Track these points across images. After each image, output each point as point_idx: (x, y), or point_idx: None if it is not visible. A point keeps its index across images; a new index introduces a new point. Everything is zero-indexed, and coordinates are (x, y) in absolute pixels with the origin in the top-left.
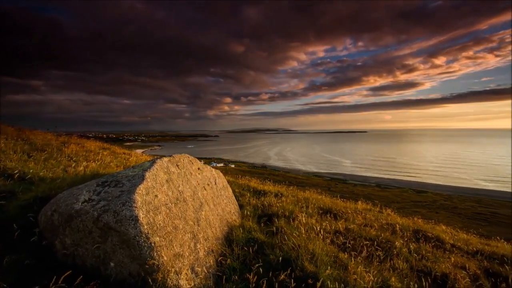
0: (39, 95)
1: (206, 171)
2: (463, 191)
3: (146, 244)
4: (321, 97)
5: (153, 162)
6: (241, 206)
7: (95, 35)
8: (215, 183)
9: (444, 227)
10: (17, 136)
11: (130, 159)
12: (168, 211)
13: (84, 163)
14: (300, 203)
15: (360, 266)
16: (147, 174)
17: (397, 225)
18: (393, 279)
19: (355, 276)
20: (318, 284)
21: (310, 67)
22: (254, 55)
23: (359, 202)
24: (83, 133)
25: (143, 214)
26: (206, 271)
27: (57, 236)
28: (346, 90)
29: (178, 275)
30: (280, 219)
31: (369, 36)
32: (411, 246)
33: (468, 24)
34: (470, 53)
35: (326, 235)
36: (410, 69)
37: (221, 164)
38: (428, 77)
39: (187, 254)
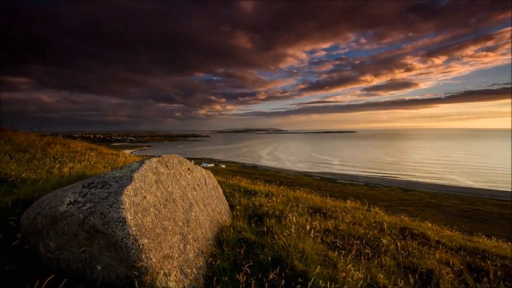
0: (21, 93)
1: (196, 172)
2: (447, 189)
3: (134, 246)
4: (314, 96)
5: (141, 163)
6: (231, 206)
7: (84, 28)
8: (205, 184)
9: (429, 224)
10: None
11: (118, 160)
12: (157, 212)
13: (70, 164)
14: (290, 203)
15: (349, 264)
16: (135, 175)
17: (385, 223)
18: (380, 276)
19: (344, 274)
20: (308, 283)
21: (308, 65)
22: (249, 53)
23: (348, 201)
24: (69, 133)
25: (131, 216)
26: (196, 272)
27: (40, 240)
28: (340, 90)
29: (167, 277)
30: (271, 219)
31: (373, 32)
32: (398, 244)
33: (480, 20)
34: (470, 52)
35: (316, 234)
36: (408, 69)
37: (212, 164)
38: (426, 76)
39: (176, 255)
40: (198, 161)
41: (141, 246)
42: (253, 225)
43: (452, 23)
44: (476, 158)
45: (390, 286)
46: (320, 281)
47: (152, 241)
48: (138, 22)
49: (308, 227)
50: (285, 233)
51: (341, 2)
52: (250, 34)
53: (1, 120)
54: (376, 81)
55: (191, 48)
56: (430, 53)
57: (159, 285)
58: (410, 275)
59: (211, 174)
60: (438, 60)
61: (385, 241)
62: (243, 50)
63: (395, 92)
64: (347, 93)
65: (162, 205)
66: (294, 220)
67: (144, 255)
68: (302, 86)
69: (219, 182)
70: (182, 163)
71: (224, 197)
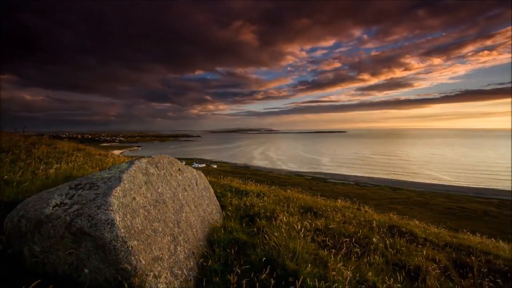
0: (3, 91)
1: (187, 172)
2: (434, 188)
3: (123, 249)
4: (310, 96)
5: (131, 163)
6: (223, 207)
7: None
8: (196, 184)
9: (417, 222)
10: None
11: (106, 161)
12: (146, 213)
13: (56, 165)
14: (281, 203)
15: (339, 263)
16: (124, 176)
17: (374, 221)
18: (370, 273)
19: (334, 272)
20: (299, 282)
21: (306, 64)
22: (246, 51)
23: (339, 200)
24: (56, 133)
25: (119, 218)
26: (186, 274)
27: (25, 244)
28: (336, 89)
29: (157, 279)
30: (262, 219)
31: (377, 29)
32: (387, 241)
33: (489, 19)
34: (468, 51)
35: (307, 233)
36: (407, 68)
37: (203, 165)
38: (423, 76)
39: (166, 257)
40: (190, 162)
41: (130, 248)
42: (244, 225)
43: (459, 21)
44: (459, 157)
45: (379, 284)
46: (311, 280)
47: (141, 243)
48: (135, 16)
49: (299, 227)
50: (276, 233)
51: None
52: (249, 32)
53: None
54: (373, 81)
55: (183, 44)
56: (429, 52)
57: (148, 287)
58: (398, 272)
59: (202, 175)
60: (436, 60)
61: (375, 239)
62: (240, 48)
63: (390, 92)
64: (343, 93)
65: (152, 206)
66: (285, 219)
67: (133, 257)
68: (299, 87)
69: (210, 182)
70: (172, 164)
71: (216, 198)
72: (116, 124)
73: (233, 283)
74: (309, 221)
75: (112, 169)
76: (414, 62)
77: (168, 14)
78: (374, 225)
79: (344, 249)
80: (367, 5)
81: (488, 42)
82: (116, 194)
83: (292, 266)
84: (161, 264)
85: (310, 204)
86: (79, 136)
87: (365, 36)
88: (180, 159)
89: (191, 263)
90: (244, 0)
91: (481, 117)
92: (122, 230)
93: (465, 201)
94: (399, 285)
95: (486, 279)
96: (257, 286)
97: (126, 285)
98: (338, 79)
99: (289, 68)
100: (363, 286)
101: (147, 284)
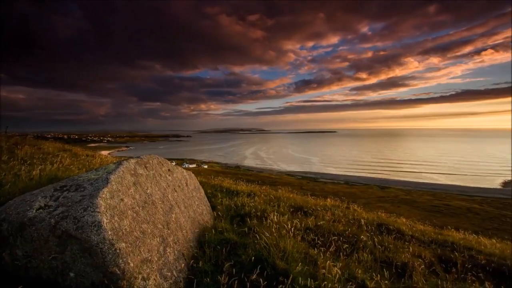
0: None
1: (177, 173)
2: (421, 186)
3: (110, 251)
4: (305, 96)
5: (119, 164)
6: (213, 207)
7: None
8: (187, 185)
9: (404, 220)
10: None
11: (94, 161)
12: (135, 215)
13: (40, 166)
14: (272, 202)
15: (328, 261)
16: (112, 177)
17: (363, 219)
18: (359, 271)
19: (324, 270)
20: (289, 281)
21: (306, 63)
22: (242, 49)
23: (329, 199)
24: (40, 133)
25: (107, 220)
26: (176, 275)
27: (6, 248)
28: (329, 89)
29: (145, 281)
30: (253, 219)
31: (383, 25)
32: (375, 239)
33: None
34: (467, 51)
35: (297, 232)
36: (406, 67)
37: (194, 165)
38: (420, 76)
39: (155, 259)
40: (180, 162)
41: (118, 251)
42: (235, 225)
43: (470, 18)
44: (446, 156)
45: (368, 281)
46: (301, 279)
47: (130, 245)
48: (136, 9)
49: (289, 226)
50: (266, 233)
51: None
52: (246, 28)
53: None
54: (370, 80)
55: (178, 40)
56: (431, 50)
57: None
58: (386, 269)
59: (193, 175)
60: (437, 59)
61: (363, 237)
62: (236, 46)
63: (388, 92)
64: (338, 93)
65: (140, 208)
66: (276, 219)
67: (121, 260)
68: (293, 86)
69: (201, 183)
70: (162, 164)
71: (206, 198)
72: (104, 124)
73: (224, 284)
74: (299, 220)
75: (99, 170)
76: (414, 61)
77: (165, 8)
78: (363, 223)
79: (334, 247)
80: None
81: (489, 42)
82: (103, 195)
83: (282, 265)
84: (150, 266)
85: (301, 204)
86: (65, 136)
87: (369, 33)
88: (170, 160)
89: (181, 264)
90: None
91: (467, 117)
92: (110, 232)
93: (450, 199)
94: (386, 281)
95: (468, 274)
96: (248, 286)
97: None
98: (335, 79)
99: (286, 67)
100: (352, 284)
101: (135, 287)
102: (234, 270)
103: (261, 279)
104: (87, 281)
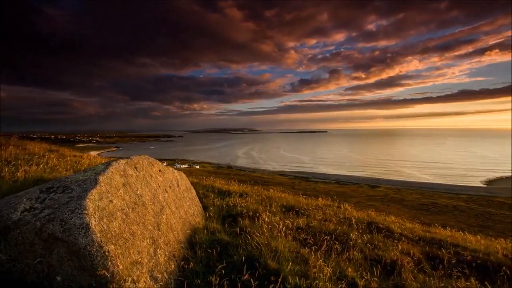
0: None
1: (167, 173)
2: (409, 185)
3: (99, 254)
4: (299, 96)
5: (108, 165)
6: (205, 208)
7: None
8: (178, 185)
9: (393, 218)
10: None
11: (82, 162)
12: (124, 216)
13: (25, 168)
14: (264, 202)
15: (319, 260)
16: (101, 178)
17: (353, 218)
18: (349, 269)
19: (315, 269)
20: (280, 280)
21: (306, 62)
22: (237, 47)
23: (320, 199)
24: (26, 133)
25: (95, 221)
26: (167, 277)
27: None
28: (324, 89)
29: (135, 284)
30: (244, 219)
31: (390, 22)
32: (365, 237)
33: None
34: (465, 51)
35: (289, 232)
36: (404, 67)
37: (185, 165)
38: (417, 75)
39: (146, 261)
40: (171, 162)
41: (106, 253)
42: (227, 225)
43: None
44: (433, 156)
45: (358, 279)
46: (292, 278)
47: (119, 247)
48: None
49: (281, 226)
50: (258, 233)
51: None
52: (243, 26)
53: None
54: (368, 80)
55: (165, 35)
56: (429, 50)
57: None
58: (375, 267)
59: (184, 175)
60: (438, 58)
61: (353, 235)
62: (232, 44)
63: (384, 91)
64: (335, 92)
65: (130, 209)
66: (267, 219)
67: (110, 262)
68: (291, 86)
69: (192, 183)
70: (152, 165)
71: (198, 199)
72: (93, 124)
73: (215, 285)
74: (291, 220)
75: (87, 171)
76: (414, 60)
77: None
78: (353, 222)
79: (325, 246)
80: None
81: (490, 41)
82: (92, 197)
83: (273, 265)
84: (140, 269)
85: (292, 203)
86: (52, 136)
87: (374, 30)
88: (161, 160)
89: (172, 266)
90: None
91: (453, 117)
92: (98, 235)
93: (437, 197)
94: (376, 279)
95: (454, 269)
96: (239, 286)
97: None
98: (333, 78)
99: (284, 66)
100: (343, 282)
101: None
102: (225, 270)
103: (252, 279)
104: (74, 284)
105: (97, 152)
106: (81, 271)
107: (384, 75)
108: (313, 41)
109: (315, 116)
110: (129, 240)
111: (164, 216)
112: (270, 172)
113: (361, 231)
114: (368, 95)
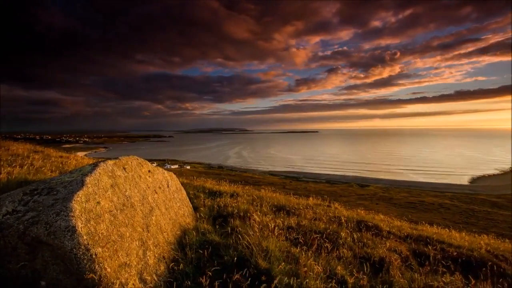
0: None
1: (157, 174)
2: (398, 184)
3: (85, 257)
4: (294, 95)
5: (95, 166)
6: (196, 208)
7: None
8: (168, 186)
9: (382, 216)
10: None
11: (68, 163)
12: (112, 218)
13: (8, 169)
14: (255, 202)
15: (310, 258)
16: (88, 179)
17: (343, 217)
18: (339, 267)
19: (306, 268)
20: (271, 280)
21: (306, 62)
22: (233, 44)
23: (311, 198)
24: (9, 134)
25: (82, 224)
26: (156, 279)
27: None
28: (321, 88)
29: (124, 287)
30: (235, 219)
31: (398, 18)
32: (354, 236)
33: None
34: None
35: (280, 231)
36: (404, 67)
37: (176, 166)
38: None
39: (134, 263)
40: (162, 163)
41: (93, 256)
42: (217, 226)
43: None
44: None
45: (347, 276)
46: (283, 277)
47: (107, 250)
48: None
49: (272, 225)
50: (249, 233)
51: None
52: (242, 25)
53: None
54: (366, 79)
55: (157, 31)
56: (431, 49)
57: None
58: (364, 264)
59: (174, 176)
60: (434, 59)
61: (343, 234)
62: (229, 42)
63: (382, 91)
64: (333, 92)
65: (118, 211)
66: (258, 219)
67: (97, 266)
68: (288, 86)
69: (183, 184)
70: (142, 165)
71: (188, 199)
72: (80, 124)
73: (206, 286)
74: (282, 219)
75: (74, 172)
76: (414, 58)
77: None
78: (343, 220)
79: (315, 245)
80: None
81: (491, 41)
82: (78, 198)
83: (264, 264)
84: (129, 271)
85: (283, 203)
86: (37, 137)
87: (380, 27)
88: (151, 161)
89: (162, 267)
90: None
91: (440, 116)
92: (85, 237)
93: (424, 196)
94: (365, 276)
95: (440, 265)
96: (230, 287)
97: None
98: (330, 77)
99: (281, 65)
100: (333, 280)
101: None
102: (216, 271)
103: (243, 279)
104: None
105: (85, 153)
106: (67, 275)
107: (383, 75)
108: (315, 39)
109: (310, 115)
110: (118, 242)
111: (153, 218)
112: (261, 172)
113: (350, 229)
114: (365, 95)
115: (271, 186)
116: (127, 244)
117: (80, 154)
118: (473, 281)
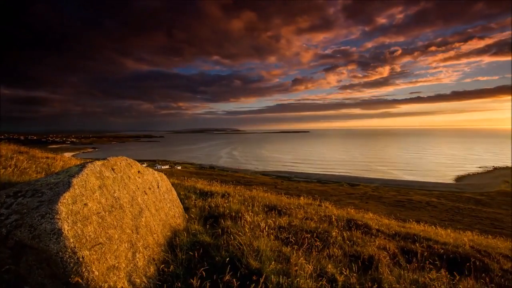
0: None
1: (147, 174)
2: (387, 183)
3: (72, 260)
4: (295, 95)
5: (82, 167)
6: (186, 209)
7: None
8: (158, 187)
9: (371, 215)
10: None
11: (55, 164)
12: (100, 220)
13: None
14: (246, 202)
15: (301, 258)
16: (75, 181)
17: (333, 216)
18: (329, 266)
19: (297, 267)
20: (262, 279)
21: (307, 61)
22: (229, 43)
23: (302, 198)
24: None
25: (68, 226)
26: (146, 281)
27: None
28: (318, 87)
29: None
30: (227, 220)
31: (407, 16)
32: (344, 234)
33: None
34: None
35: (271, 231)
36: (404, 66)
37: (167, 166)
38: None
39: (123, 265)
40: (152, 163)
41: (80, 259)
42: (208, 227)
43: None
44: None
45: (337, 275)
46: (274, 277)
47: (94, 252)
48: None
49: (263, 225)
50: (240, 233)
51: None
52: (239, 19)
53: None
54: (365, 79)
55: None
56: (432, 48)
57: None
58: (354, 263)
59: (164, 177)
60: (435, 58)
61: (334, 233)
62: (224, 39)
63: (377, 91)
64: (330, 91)
65: (107, 212)
66: (250, 219)
67: (84, 269)
68: (284, 86)
69: (173, 184)
70: (131, 166)
71: (179, 200)
72: (67, 123)
73: (196, 287)
74: (273, 219)
75: (60, 173)
76: (414, 58)
77: None
78: (334, 219)
79: (306, 244)
80: None
81: (491, 41)
82: (65, 200)
83: (255, 264)
84: (117, 274)
85: (274, 203)
86: (22, 137)
87: (386, 25)
88: (141, 161)
89: (151, 269)
90: None
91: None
92: (72, 240)
93: (412, 194)
94: (355, 274)
95: (427, 262)
96: (221, 287)
97: None
98: (328, 77)
99: (280, 64)
100: (323, 279)
101: None
102: (207, 272)
103: (234, 279)
104: None
105: (72, 154)
106: (53, 279)
107: (384, 74)
108: (318, 37)
109: (305, 115)
110: (106, 245)
111: (143, 219)
112: (252, 172)
113: (341, 228)
114: (363, 94)
115: (262, 186)
116: (116, 246)
117: (68, 154)
118: (458, 277)
